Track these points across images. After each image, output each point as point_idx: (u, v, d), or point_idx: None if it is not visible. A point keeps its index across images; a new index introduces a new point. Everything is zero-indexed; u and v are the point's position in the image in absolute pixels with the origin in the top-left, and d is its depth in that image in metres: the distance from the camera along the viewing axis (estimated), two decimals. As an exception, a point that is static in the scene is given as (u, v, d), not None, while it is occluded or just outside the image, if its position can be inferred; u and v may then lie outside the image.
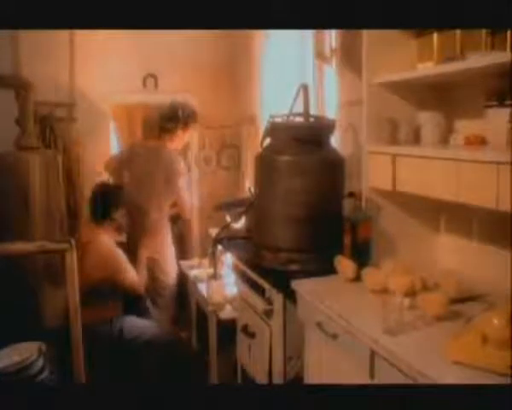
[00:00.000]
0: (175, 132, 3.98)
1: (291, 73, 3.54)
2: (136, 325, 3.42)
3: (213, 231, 3.53)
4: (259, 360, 2.64)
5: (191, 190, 4.36)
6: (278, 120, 2.60)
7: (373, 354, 1.77)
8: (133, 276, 3.47)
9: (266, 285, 2.52)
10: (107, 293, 3.33)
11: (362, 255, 2.34)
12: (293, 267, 2.45)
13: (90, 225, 3.56)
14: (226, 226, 3.31)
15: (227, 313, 3.39)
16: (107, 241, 3.45)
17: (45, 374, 2.55)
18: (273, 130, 2.58)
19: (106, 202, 3.50)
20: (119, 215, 3.54)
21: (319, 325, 2.11)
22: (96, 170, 4.20)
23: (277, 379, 2.49)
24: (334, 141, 2.78)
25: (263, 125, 2.94)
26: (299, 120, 2.60)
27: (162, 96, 4.35)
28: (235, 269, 3.06)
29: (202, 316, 3.77)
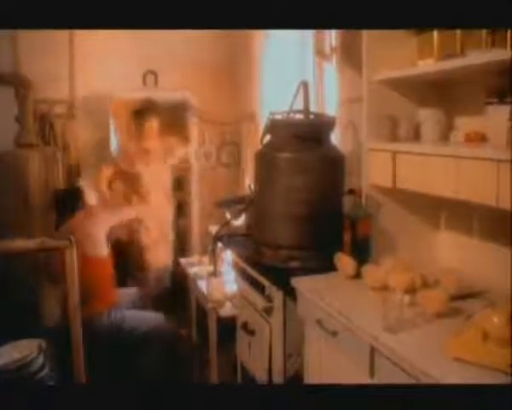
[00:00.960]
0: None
1: (291, 70, 3.53)
2: (137, 316, 3.43)
3: (213, 229, 3.53)
4: (259, 357, 2.64)
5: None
6: (278, 117, 2.60)
7: (373, 351, 1.77)
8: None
9: (266, 283, 2.52)
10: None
11: (362, 252, 2.34)
12: (293, 265, 2.45)
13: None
14: (226, 224, 3.31)
15: (227, 310, 3.39)
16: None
17: (45, 372, 2.55)
18: (273, 127, 2.58)
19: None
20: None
21: (319, 322, 2.11)
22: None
23: (277, 377, 2.50)
24: (335, 138, 2.78)
25: (263, 122, 2.93)
26: (300, 117, 2.60)
27: (162, 94, 4.34)
28: (235, 266, 3.06)
29: (202, 313, 3.77)
